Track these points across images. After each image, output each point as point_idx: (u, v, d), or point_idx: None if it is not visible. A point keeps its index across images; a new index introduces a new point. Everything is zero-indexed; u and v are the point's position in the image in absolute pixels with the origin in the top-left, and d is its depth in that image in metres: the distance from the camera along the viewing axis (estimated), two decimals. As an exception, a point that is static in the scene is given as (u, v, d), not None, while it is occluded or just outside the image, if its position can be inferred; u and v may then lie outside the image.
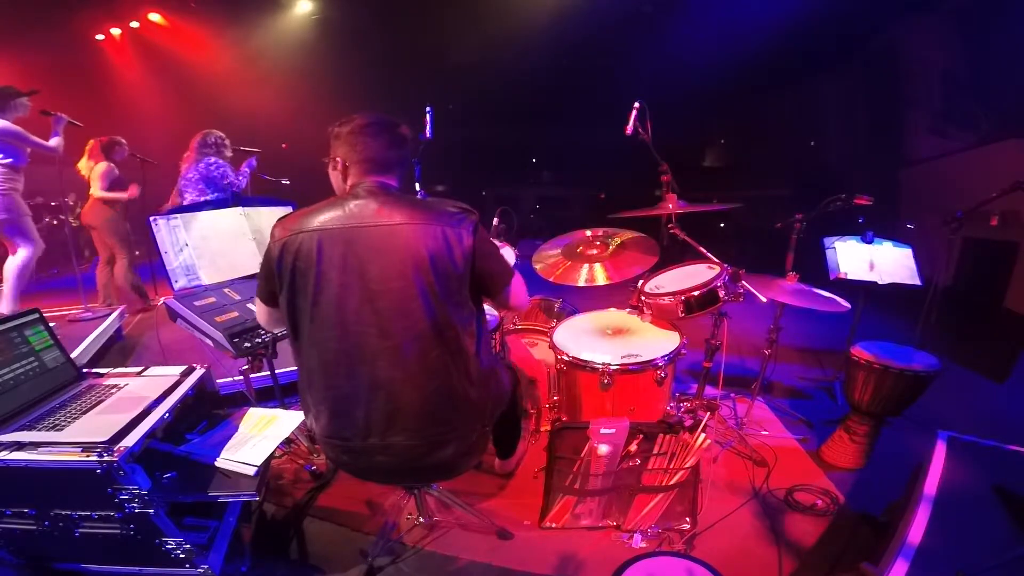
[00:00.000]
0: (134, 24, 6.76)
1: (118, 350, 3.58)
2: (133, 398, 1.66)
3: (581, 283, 2.39)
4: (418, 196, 2.79)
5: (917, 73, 5.49)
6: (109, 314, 3.64)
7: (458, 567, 1.77)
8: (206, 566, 1.56)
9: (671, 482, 1.87)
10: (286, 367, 2.38)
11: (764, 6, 5.39)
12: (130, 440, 1.41)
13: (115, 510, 1.43)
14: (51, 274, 6.26)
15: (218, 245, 2.25)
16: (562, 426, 1.95)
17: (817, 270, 2.67)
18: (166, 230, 2.10)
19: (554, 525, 1.91)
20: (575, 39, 6.55)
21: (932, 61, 5.25)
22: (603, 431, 1.85)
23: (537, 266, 2.56)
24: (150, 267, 4.62)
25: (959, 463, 1.68)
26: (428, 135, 2.73)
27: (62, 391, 1.69)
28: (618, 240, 2.56)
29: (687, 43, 5.96)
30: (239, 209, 2.37)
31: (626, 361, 2.03)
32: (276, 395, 2.32)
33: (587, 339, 2.24)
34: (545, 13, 6.20)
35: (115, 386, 1.74)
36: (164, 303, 2.14)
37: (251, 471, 1.56)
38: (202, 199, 3.86)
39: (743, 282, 2.13)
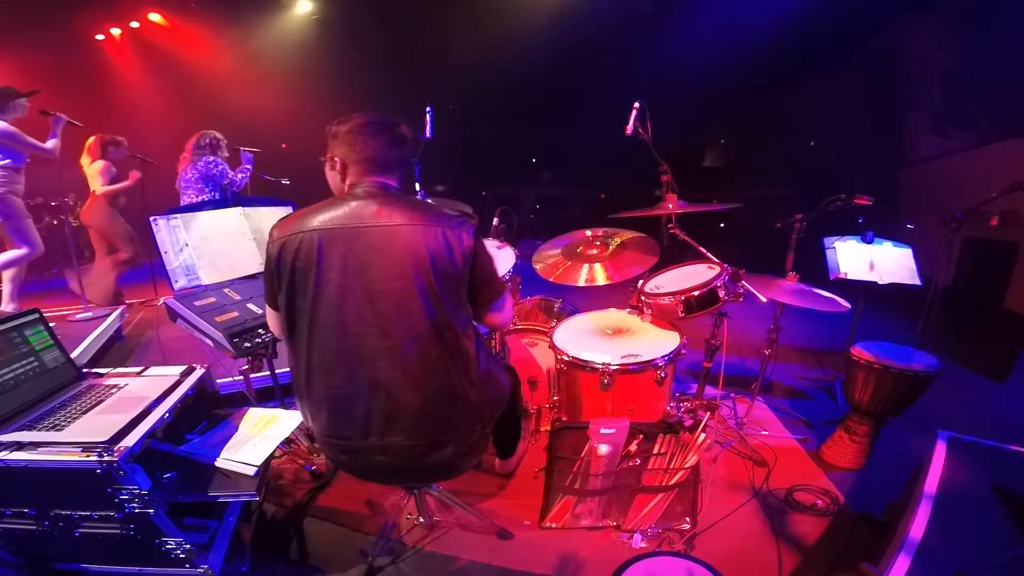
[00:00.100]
0: (134, 24, 6.76)
1: (118, 350, 3.58)
2: (133, 398, 1.66)
3: (581, 283, 2.40)
4: (418, 196, 2.79)
5: (917, 73, 5.49)
6: (109, 314, 3.64)
7: (458, 567, 1.77)
8: (206, 566, 1.56)
9: (671, 482, 1.87)
10: (286, 367, 2.37)
11: (764, 6, 5.39)
12: (130, 440, 1.41)
13: (115, 510, 1.43)
14: (51, 274, 6.27)
15: (218, 245, 2.25)
16: (562, 426, 1.96)
17: (817, 270, 2.67)
18: (166, 230, 2.10)
19: (554, 525, 1.91)
20: (575, 39, 6.55)
21: (932, 61, 5.25)
22: (603, 431, 1.85)
23: (537, 266, 2.56)
24: (150, 267, 4.62)
25: (959, 463, 1.68)
26: (428, 135, 2.73)
27: (62, 391, 1.69)
28: (618, 240, 2.56)
29: (687, 43, 5.96)
30: (239, 209, 2.37)
31: (626, 361, 2.03)
32: (276, 395, 2.32)
33: (587, 339, 2.24)
34: (545, 13, 6.19)
35: (115, 386, 1.74)
36: (164, 303, 2.14)
37: (251, 471, 1.56)
38: (201, 199, 3.87)
39: (743, 282, 2.13)
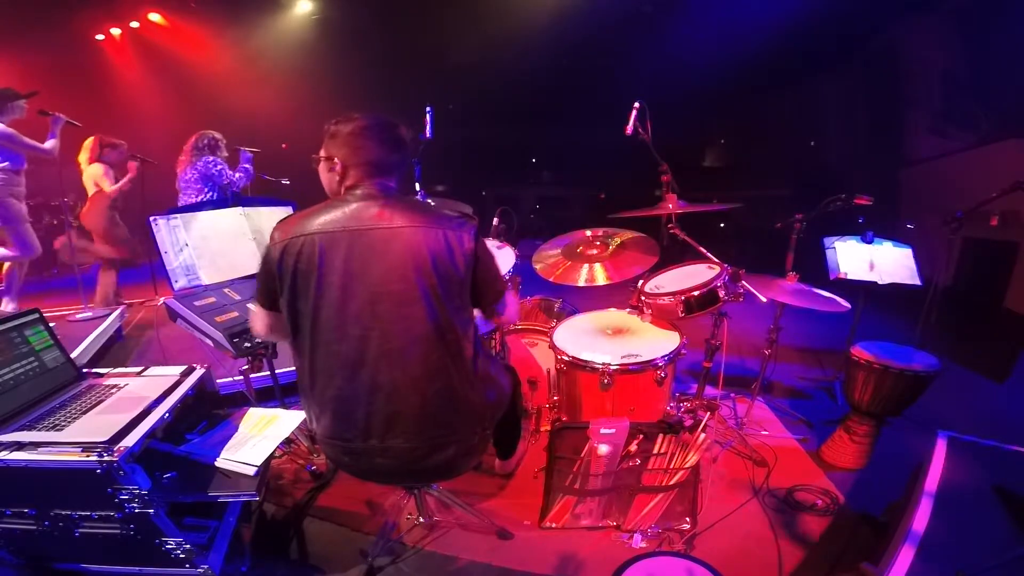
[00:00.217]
0: (134, 24, 6.76)
1: (118, 350, 3.58)
2: (133, 398, 1.66)
3: (581, 283, 2.39)
4: (418, 197, 2.79)
5: (917, 73, 5.50)
6: (109, 314, 3.64)
7: (458, 567, 1.77)
8: (206, 566, 1.56)
9: (671, 482, 1.87)
10: (286, 367, 2.37)
11: (764, 6, 5.39)
12: (130, 440, 1.41)
13: (115, 510, 1.43)
14: (51, 274, 6.27)
15: (218, 245, 2.25)
16: (562, 426, 1.95)
17: (817, 270, 2.67)
18: (166, 230, 2.10)
19: (554, 525, 1.91)
20: (575, 39, 6.55)
21: (932, 61, 5.25)
22: (603, 431, 1.85)
23: (537, 266, 2.56)
24: (150, 267, 4.62)
25: (959, 463, 1.68)
26: (428, 135, 2.73)
27: (62, 391, 1.69)
28: (618, 240, 2.56)
29: (687, 43, 5.96)
30: (239, 209, 2.37)
31: (626, 361, 2.03)
32: (276, 395, 2.32)
33: (587, 339, 2.24)
34: (545, 13, 6.19)
35: (115, 386, 1.74)
36: (164, 303, 2.14)
37: (251, 471, 1.56)
38: (200, 199, 3.86)
39: (743, 282, 2.13)
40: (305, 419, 1.56)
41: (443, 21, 6.66)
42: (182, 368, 1.88)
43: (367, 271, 1.33)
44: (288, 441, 2.17)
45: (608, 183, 8.58)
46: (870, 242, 2.83)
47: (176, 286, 2.09)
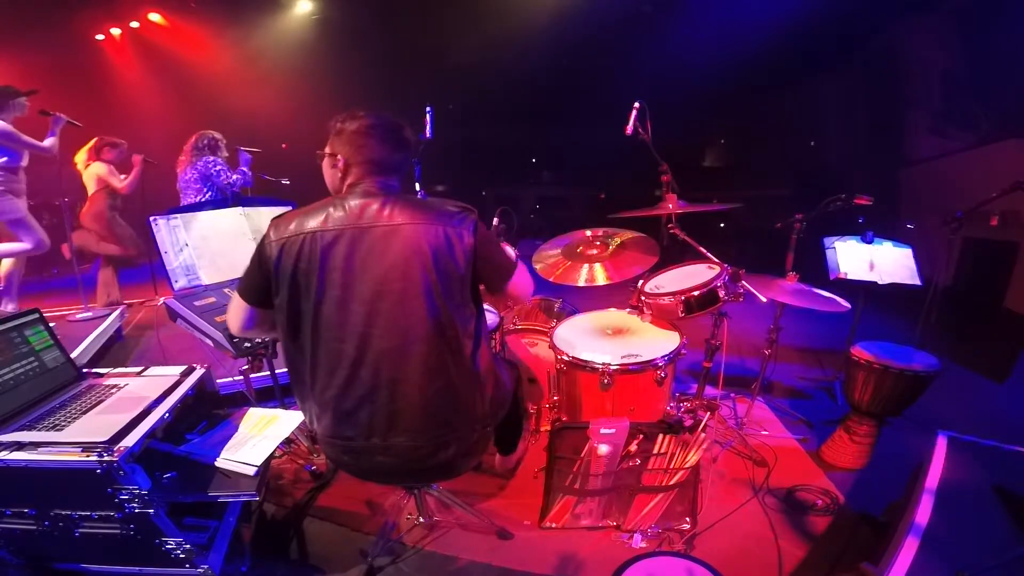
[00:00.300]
0: (134, 24, 6.75)
1: (118, 350, 3.58)
2: (133, 398, 1.66)
3: (581, 283, 2.39)
4: (418, 196, 2.79)
5: (917, 73, 5.49)
6: (109, 314, 3.64)
7: (458, 567, 1.77)
8: (206, 566, 1.56)
9: (671, 482, 1.87)
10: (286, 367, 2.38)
11: (764, 6, 5.39)
12: (130, 440, 1.41)
13: (115, 510, 1.43)
14: (52, 274, 6.27)
15: (218, 245, 2.25)
16: (562, 426, 1.95)
17: (817, 270, 2.67)
18: (166, 230, 2.10)
19: (554, 525, 1.91)
20: (575, 39, 6.54)
21: (932, 61, 5.25)
22: (603, 431, 1.85)
23: (537, 266, 2.55)
24: (150, 267, 4.62)
25: (959, 463, 1.68)
26: (428, 135, 2.73)
27: (62, 391, 1.69)
28: (618, 240, 2.56)
29: (687, 43, 5.96)
30: (239, 209, 2.37)
31: (626, 361, 2.03)
32: (276, 395, 2.32)
33: (587, 339, 2.24)
34: (545, 13, 6.19)
35: (115, 386, 1.74)
36: (164, 303, 2.14)
37: (251, 471, 1.56)
38: (200, 199, 3.86)
39: (743, 282, 2.13)
40: (305, 419, 1.56)
41: (443, 21, 6.65)
42: (182, 368, 1.88)
43: (368, 269, 1.33)
44: (288, 441, 2.17)
45: (608, 183, 8.58)
46: (870, 242, 2.83)
47: (176, 286, 2.09)
